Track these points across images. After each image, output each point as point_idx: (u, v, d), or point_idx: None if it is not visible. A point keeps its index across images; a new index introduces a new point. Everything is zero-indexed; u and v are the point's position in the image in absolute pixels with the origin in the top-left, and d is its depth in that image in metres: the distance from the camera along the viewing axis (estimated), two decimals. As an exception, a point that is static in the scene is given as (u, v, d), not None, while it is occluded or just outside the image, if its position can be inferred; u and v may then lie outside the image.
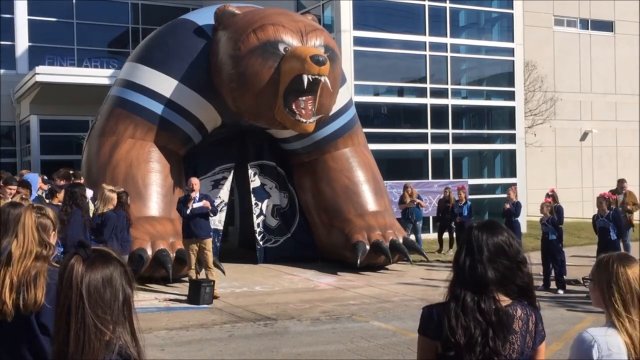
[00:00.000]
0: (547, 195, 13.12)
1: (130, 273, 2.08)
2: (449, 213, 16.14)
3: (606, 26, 27.54)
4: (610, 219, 11.61)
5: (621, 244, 12.34)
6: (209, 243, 11.14)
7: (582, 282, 11.88)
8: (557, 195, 13.49)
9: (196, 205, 10.99)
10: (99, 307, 1.96)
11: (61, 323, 1.98)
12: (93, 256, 2.03)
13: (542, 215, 12.30)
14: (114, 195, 9.70)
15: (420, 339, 2.67)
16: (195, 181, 11.36)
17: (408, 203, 16.40)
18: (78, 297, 1.96)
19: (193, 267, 11.04)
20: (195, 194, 11.11)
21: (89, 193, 10.37)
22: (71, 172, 11.65)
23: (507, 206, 14.17)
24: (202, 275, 11.26)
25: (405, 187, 16.76)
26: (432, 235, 18.27)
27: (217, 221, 14.30)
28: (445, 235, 16.57)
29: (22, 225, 3.34)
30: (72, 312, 1.96)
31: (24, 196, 8.65)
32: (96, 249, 2.07)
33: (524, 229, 19.00)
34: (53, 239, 3.52)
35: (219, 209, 13.67)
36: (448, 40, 20.25)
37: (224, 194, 14.57)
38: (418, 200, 16.50)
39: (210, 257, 11.06)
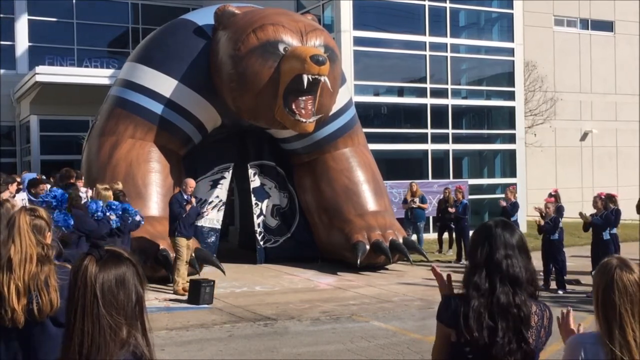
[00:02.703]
0: (550, 195, 13.13)
1: (142, 273, 2.08)
2: (448, 213, 16.15)
3: (606, 26, 27.54)
4: (604, 219, 11.64)
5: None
6: (194, 242, 12.06)
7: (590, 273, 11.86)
8: (560, 195, 13.53)
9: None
10: (113, 308, 1.97)
11: (75, 324, 1.97)
12: (106, 256, 2.03)
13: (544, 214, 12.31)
14: (109, 193, 9.73)
15: (437, 324, 2.76)
16: (192, 184, 11.76)
17: (408, 203, 16.47)
18: (93, 297, 1.96)
19: (187, 262, 11.42)
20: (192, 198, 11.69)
21: (88, 193, 10.40)
22: (73, 172, 11.67)
23: (504, 203, 14.17)
24: (202, 274, 11.30)
25: (410, 186, 16.80)
26: (432, 235, 18.26)
27: (216, 220, 14.36)
28: (445, 235, 16.58)
29: (18, 229, 3.29)
30: (87, 313, 1.96)
31: (10, 193, 8.68)
32: (109, 249, 2.07)
33: (523, 228, 19.00)
34: (48, 239, 3.49)
35: (217, 209, 14.27)
36: (448, 40, 20.24)
37: (222, 193, 14.57)
38: (418, 203, 16.51)
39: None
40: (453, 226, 16.02)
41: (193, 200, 11.58)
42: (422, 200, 16.71)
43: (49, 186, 11.01)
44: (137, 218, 10.26)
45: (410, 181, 17.50)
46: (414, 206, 16.42)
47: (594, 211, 12.13)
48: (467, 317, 2.59)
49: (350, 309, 10.44)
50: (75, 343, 1.96)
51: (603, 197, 12.01)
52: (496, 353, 2.57)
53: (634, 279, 2.60)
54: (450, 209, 15.70)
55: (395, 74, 20.26)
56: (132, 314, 2.01)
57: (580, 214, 12.14)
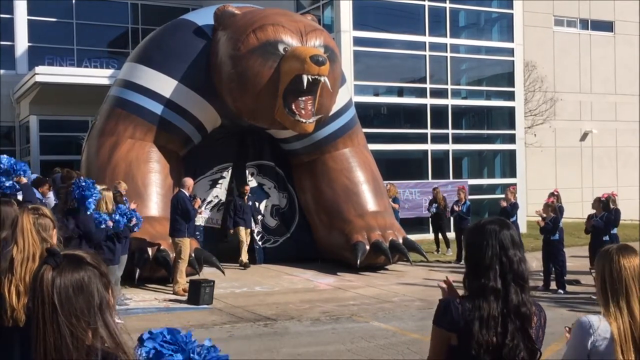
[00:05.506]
0: (551, 195, 13.16)
1: (107, 275, 2.01)
2: (443, 213, 16.32)
3: (606, 26, 27.55)
4: (604, 220, 11.65)
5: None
6: (194, 242, 12.34)
7: (589, 271, 11.88)
8: (560, 195, 13.55)
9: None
10: (72, 315, 1.90)
11: (38, 334, 1.92)
12: (63, 263, 1.96)
13: (544, 215, 12.31)
14: (110, 194, 9.74)
15: (434, 329, 2.72)
16: (191, 183, 11.90)
17: None
18: (51, 307, 1.90)
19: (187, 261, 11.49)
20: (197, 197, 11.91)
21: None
22: (74, 173, 11.67)
23: (504, 204, 14.16)
24: (202, 274, 11.30)
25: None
26: (432, 236, 18.27)
27: (215, 220, 14.38)
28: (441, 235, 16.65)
29: (21, 229, 3.30)
30: (48, 323, 1.90)
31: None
32: (66, 254, 1.99)
33: (523, 229, 19.00)
34: (54, 237, 3.49)
35: (216, 209, 14.46)
36: (448, 40, 20.24)
37: (221, 193, 14.59)
38: (392, 203, 16.53)
39: None
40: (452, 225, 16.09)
41: (198, 200, 11.66)
42: (395, 200, 16.73)
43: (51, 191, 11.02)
44: (134, 221, 10.22)
45: (404, 182, 17.51)
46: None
47: (593, 211, 12.15)
48: (484, 322, 2.57)
49: (350, 309, 10.44)
50: (40, 353, 1.91)
51: (603, 199, 12.01)
52: (506, 354, 2.57)
53: (631, 263, 2.89)
54: (455, 207, 15.71)
55: (395, 74, 20.26)
56: (97, 319, 1.94)
57: (589, 218, 12.15)
